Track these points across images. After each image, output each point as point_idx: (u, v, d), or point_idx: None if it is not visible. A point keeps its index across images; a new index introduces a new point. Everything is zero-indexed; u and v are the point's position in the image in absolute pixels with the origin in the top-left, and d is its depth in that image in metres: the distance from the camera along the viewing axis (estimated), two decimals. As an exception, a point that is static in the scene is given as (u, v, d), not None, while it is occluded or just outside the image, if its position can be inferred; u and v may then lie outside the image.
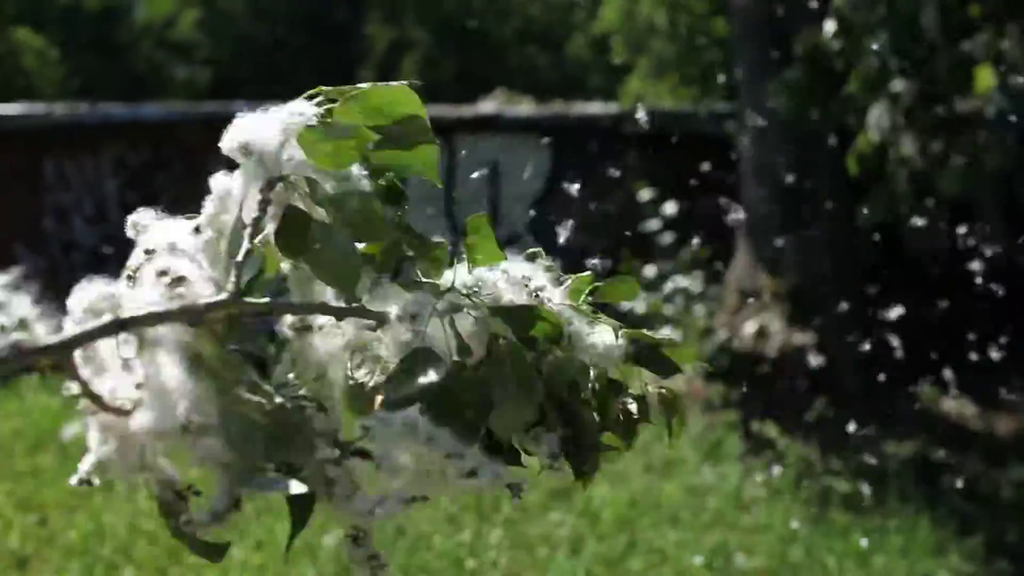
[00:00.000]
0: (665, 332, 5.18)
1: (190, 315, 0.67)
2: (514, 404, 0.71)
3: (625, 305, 6.25)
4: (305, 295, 0.77)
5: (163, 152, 7.96)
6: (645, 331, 0.79)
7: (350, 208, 0.75)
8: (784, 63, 5.40)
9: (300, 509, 0.74)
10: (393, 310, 0.73)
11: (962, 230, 7.60)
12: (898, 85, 4.83)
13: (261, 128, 0.74)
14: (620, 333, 0.78)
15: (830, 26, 5.05)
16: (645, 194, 6.49)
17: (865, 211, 5.34)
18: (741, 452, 5.18)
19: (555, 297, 0.80)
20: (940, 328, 6.68)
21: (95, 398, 0.66)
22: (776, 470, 4.99)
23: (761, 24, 6.26)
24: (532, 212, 7.78)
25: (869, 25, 4.82)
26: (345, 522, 0.76)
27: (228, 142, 0.75)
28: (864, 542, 4.21)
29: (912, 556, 4.12)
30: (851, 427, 5.27)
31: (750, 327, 5.94)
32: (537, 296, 0.79)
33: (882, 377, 5.77)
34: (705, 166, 7.41)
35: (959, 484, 4.95)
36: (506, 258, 0.80)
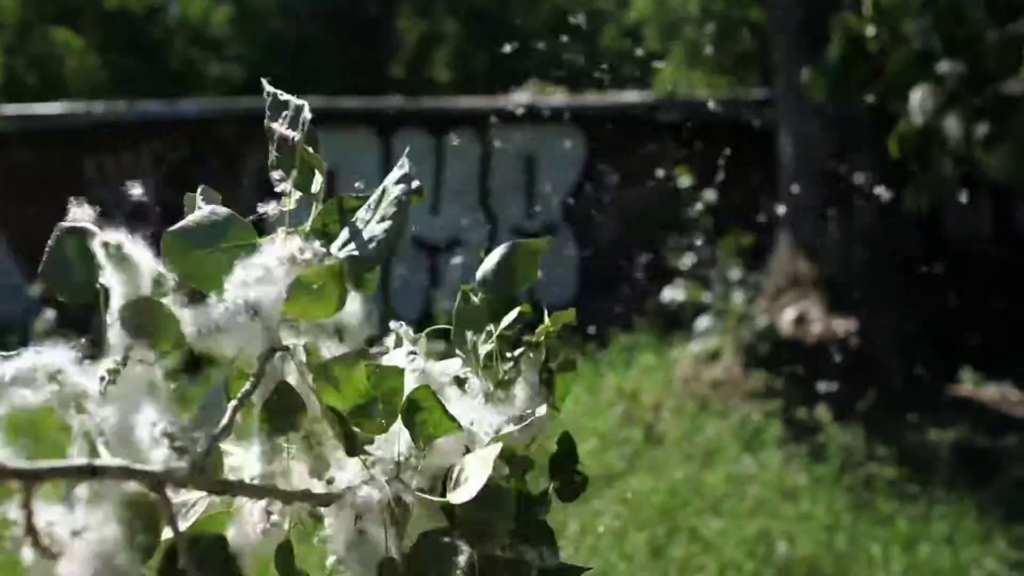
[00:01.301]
0: (703, 321, 5.16)
1: (153, 479, 0.64)
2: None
3: (666, 296, 6.23)
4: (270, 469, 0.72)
5: (201, 148, 8.03)
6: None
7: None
8: (821, 48, 5.35)
9: None
10: (344, 498, 0.70)
11: (1005, 216, 7.50)
12: (943, 67, 4.76)
13: (265, 285, 0.68)
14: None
15: (867, 9, 5.00)
16: (685, 180, 6.46)
17: (908, 197, 5.28)
18: (782, 440, 5.15)
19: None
20: (982, 314, 6.60)
21: (31, 531, 0.62)
22: (818, 458, 4.96)
23: (797, 9, 6.20)
24: (567, 202, 7.77)
25: (909, 7, 4.76)
26: None
27: (233, 296, 0.68)
28: (909, 530, 4.18)
29: (957, 544, 4.08)
30: (893, 414, 5.22)
31: (790, 314, 5.90)
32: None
33: (924, 364, 5.71)
34: (742, 153, 7.37)
35: (1003, 471, 4.89)
36: (458, 427, 0.73)
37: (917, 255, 6.97)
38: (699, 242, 6.34)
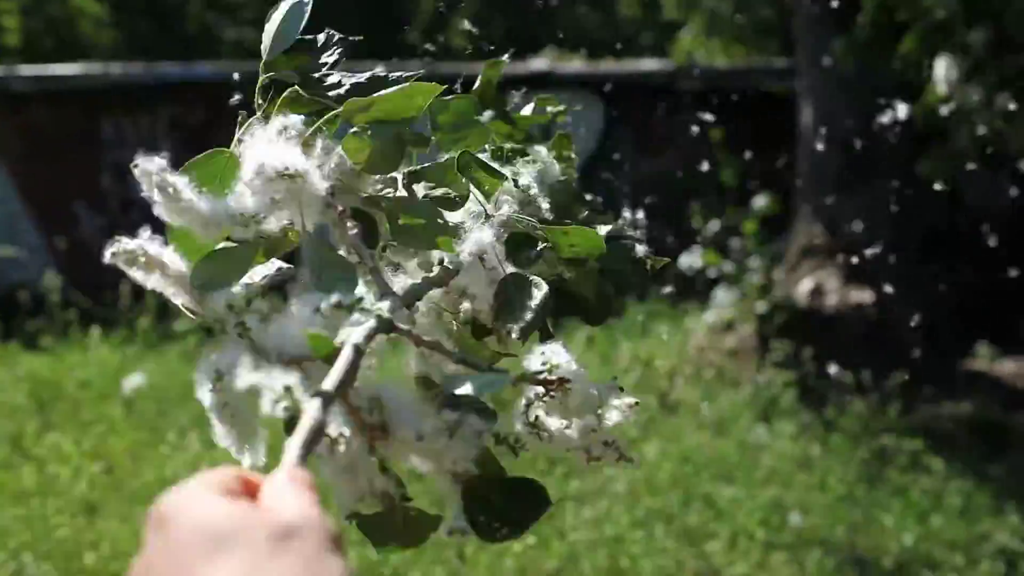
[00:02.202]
0: (720, 290, 5.15)
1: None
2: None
3: (684, 263, 6.21)
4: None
5: (218, 111, 8.01)
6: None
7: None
8: (843, 17, 5.29)
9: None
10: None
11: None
12: (969, 36, 4.70)
13: (282, 153, 0.77)
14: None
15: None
16: (717, 143, 6.42)
17: (923, 168, 5.24)
18: (797, 410, 5.15)
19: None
20: (999, 288, 6.55)
21: None
22: (833, 429, 4.95)
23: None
24: (585, 170, 7.74)
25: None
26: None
27: (260, 174, 0.77)
28: (922, 502, 4.18)
29: (970, 516, 4.08)
30: (909, 387, 5.21)
31: (807, 284, 5.88)
32: None
33: (940, 337, 5.69)
34: (763, 122, 7.32)
35: (1017, 446, 4.89)
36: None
37: (937, 227, 6.93)
38: (719, 210, 6.32)
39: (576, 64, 8.32)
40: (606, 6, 14.14)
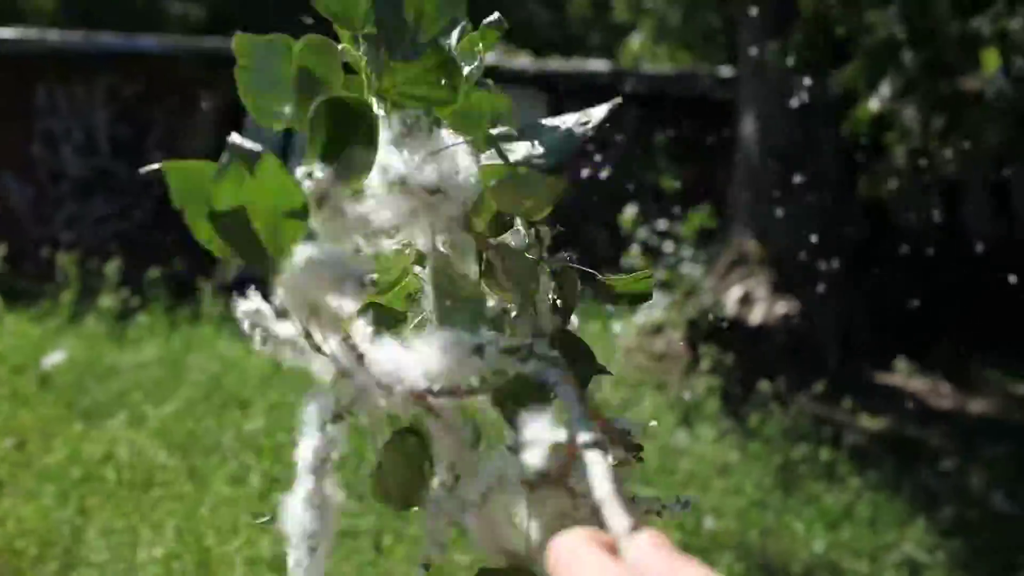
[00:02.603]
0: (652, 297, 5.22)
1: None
2: None
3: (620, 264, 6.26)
4: None
5: (158, 85, 7.88)
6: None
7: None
8: (787, 28, 5.38)
9: None
10: None
11: (952, 210, 7.61)
12: (905, 56, 4.82)
13: (420, 164, 0.63)
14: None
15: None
16: (660, 150, 6.47)
17: (862, 184, 5.36)
18: (718, 416, 5.23)
19: None
20: (921, 306, 6.72)
21: None
22: (752, 436, 5.04)
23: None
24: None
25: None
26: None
27: (397, 184, 0.63)
28: (834, 511, 4.27)
29: (879, 526, 4.18)
30: (829, 398, 5.32)
31: (735, 292, 5.96)
32: None
33: (861, 351, 5.81)
34: (703, 128, 7.41)
35: (927, 461, 5.02)
36: None
37: (863, 242, 7.08)
38: (656, 214, 6.38)
39: (523, 60, 8.34)
40: (557, 5, 14.18)
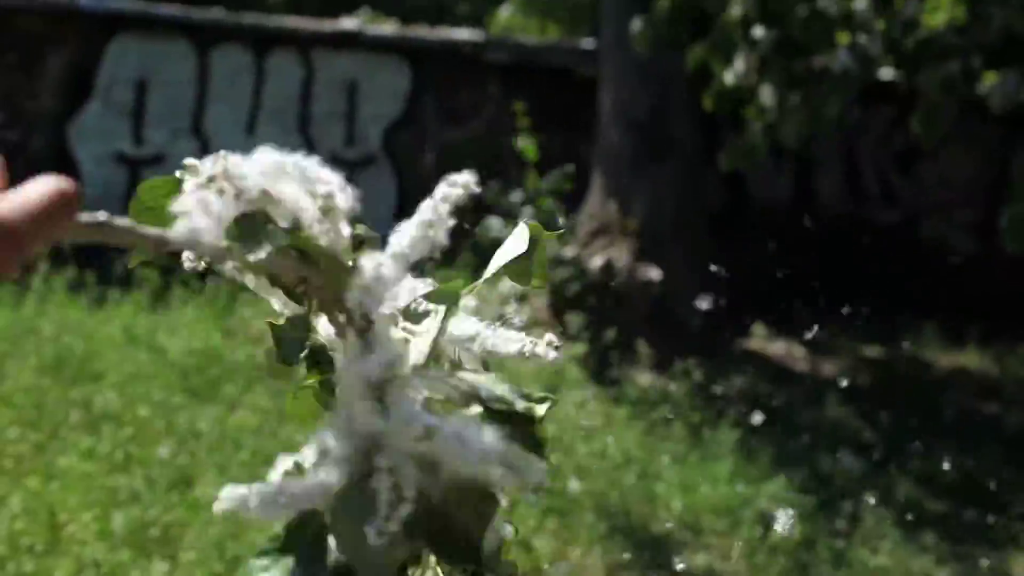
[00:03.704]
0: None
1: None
2: None
3: (482, 232, 6.26)
4: None
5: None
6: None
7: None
8: (648, 2, 5.45)
9: None
10: None
11: (806, 181, 7.91)
12: (758, 32, 4.94)
13: None
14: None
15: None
16: (522, 119, 6.45)
17: (721, 159, 5.49)
18: (582, 381, 5.31)
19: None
20: (776, 275, 6.95)
21: None
22: (616, 400, 5.13)
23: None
24: (388, 133, 7.66)
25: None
26: None
27: None
28: (694, 470, 4.39)
29: (735, 483, 4.32)
30: (689, 362, 5.46)
31: (598, 260, 6.05)
32: None
33: (719, 316, 5.99)
34: (565, 100, 7.46)
35: (782, 419, 5.22)
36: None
37: (721, 213, 7.28)
38: (518, 182, 6.39)
39: (387, 27, 8.21)
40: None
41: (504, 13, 10.90)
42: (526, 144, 6.45)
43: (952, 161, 7.83)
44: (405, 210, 0.67)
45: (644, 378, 5.34)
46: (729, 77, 5.05)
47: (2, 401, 4.17)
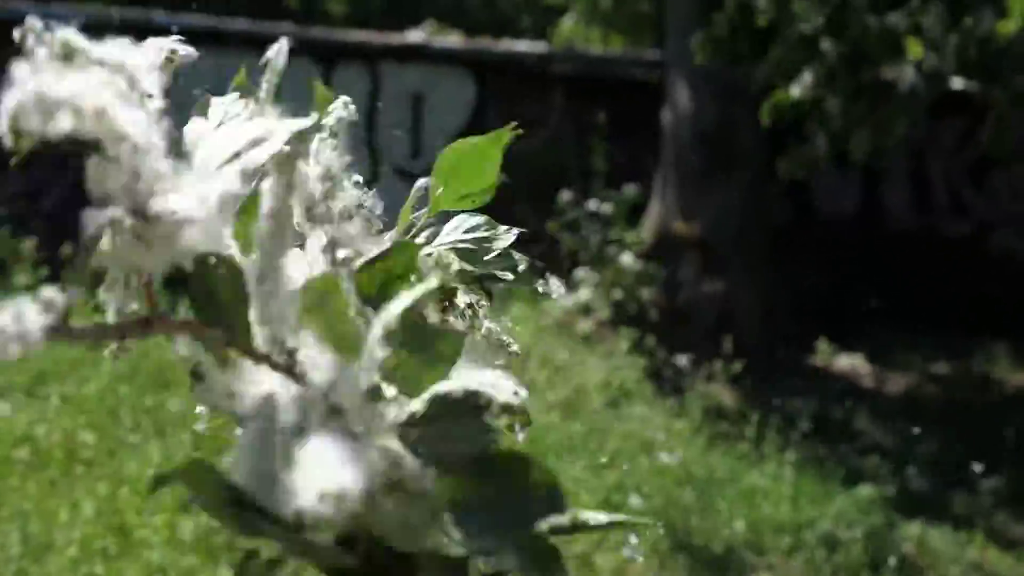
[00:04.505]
0: (579, 273, 5.19)
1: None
2: None
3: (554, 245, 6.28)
4: None
5: None
6: None
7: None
8: (709, 13, 5.43)
9: None
10: None
11: (872, 194, 7.78)
12: (825, 45, 4.90)
13: None
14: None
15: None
16: (601, 131, 6.46)
17: (781, 167, 5.44)
18: (645, 395, 5.28)
19: None
20: (841, 288, 6.86)
21: None
22: (678, 415, 5.10)
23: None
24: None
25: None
26: None
27: None
28: (756, 488, 4.35)
29: (799, 503, 4.27)
30: (752, 378, 5.41)
31: (662, 272, 6.03)
32: None
33: (784, 332, 5.93)
34: (632, 111, 7.45)
35: (848, 439, 5.14)
36: None
37: (786, 226, 7.21)
38: (585, 194, 6.40)
39: (452, 39, 8.28)
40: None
41: (567, 24, 10.91)
42: (594, 156, 6.46)
43: (1025, 173, 7.66)
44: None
45: (705, 394, 5.30)
46: (795, 90, 5.00)
47: (77, 406, 4.29)
